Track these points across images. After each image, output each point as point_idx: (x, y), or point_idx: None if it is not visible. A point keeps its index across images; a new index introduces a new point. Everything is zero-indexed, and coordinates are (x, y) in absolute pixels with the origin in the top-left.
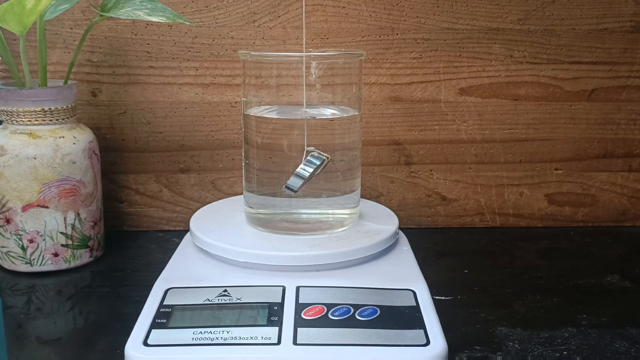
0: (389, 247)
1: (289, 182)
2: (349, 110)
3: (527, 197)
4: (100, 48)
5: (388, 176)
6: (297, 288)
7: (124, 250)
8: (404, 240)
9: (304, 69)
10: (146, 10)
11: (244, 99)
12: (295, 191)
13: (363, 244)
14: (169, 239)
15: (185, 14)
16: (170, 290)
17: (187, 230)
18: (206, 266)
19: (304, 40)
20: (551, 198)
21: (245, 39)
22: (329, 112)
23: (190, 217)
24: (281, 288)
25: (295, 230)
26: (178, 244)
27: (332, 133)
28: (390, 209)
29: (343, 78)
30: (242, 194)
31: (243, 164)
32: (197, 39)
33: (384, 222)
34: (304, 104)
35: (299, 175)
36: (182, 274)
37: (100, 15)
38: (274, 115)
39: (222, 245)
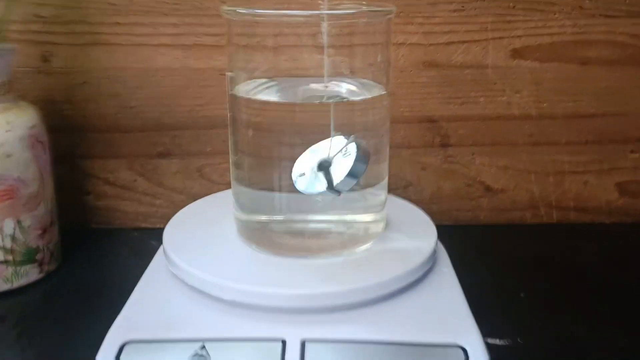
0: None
1: (339, 183)
2: (372, 86)
3: (593, 186)
4: None
5: (419, 161)
6: (303, 343)
7: (87, 257)
8: (441, 254)
9: (325, 33)
10: None
11: (230, 74)
12: (340, 194)
13: (393, 272)
14: (145, 240)
15: None
16: (127, 346)
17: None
18: (181, 302)
19: None
20: (624, 188)
21: None
22: (345, 88)
23: (172, 212)
24: (280, 343)
25: (301, 250)
26: (155, 250)
27: (350, 112)
28: (421, 201)
29: (366, 44)
30: None
31: (230, 149)
32: None
33: (416, 233)
34: (325, 75)
35: (354, 174)
36: (147, 315)
37: None
38: (272, 97)
39: (200, 275)
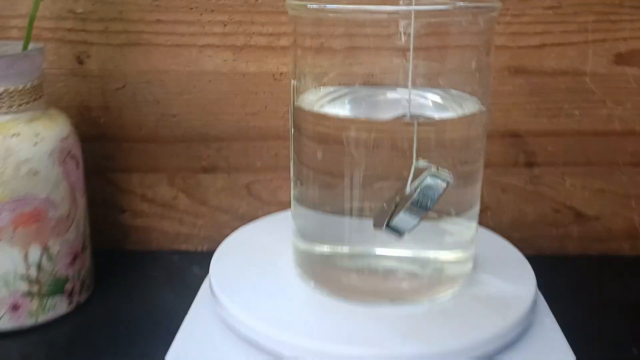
0: None
1: (395, 221)
2: (466, 99)
3: None
4: None
5: (499, 181)
6: None
7: (122, 285)
8: (539, 299)
9: (411, 34)
10: None
11: (294, 82)
12: (402, 235)
13: (490, 328)
14: (186, 265)
15: None
16: None
17: (211, 252)
18: (233, 356)
19: None
20: None
21: None
22: (431, 100)
23: (216, 234)
24: None
25: (371, 293)
26: (198, 277)
27: (437, 128)
28: (500, 228)
29: (460, 47)
30: (288, 203)
31: (292, 163)
32: None
33: (509, 274)
34: (409, 87)
35: (413, 212)
36: None
37: None
38: (344, 112)
39: (256, 327)
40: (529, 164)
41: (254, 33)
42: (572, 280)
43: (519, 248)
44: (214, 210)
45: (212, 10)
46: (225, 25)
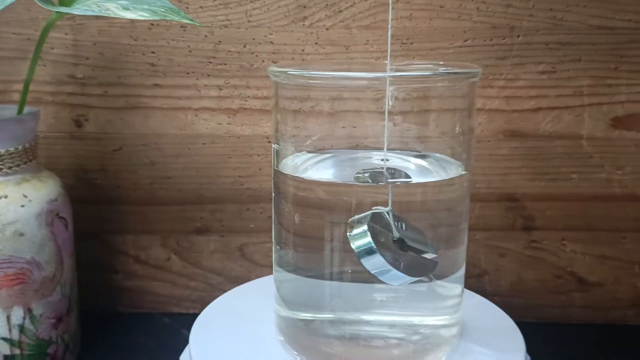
0: None
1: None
2: (448, 162)
3: None
4: (87, 59)
5: (497, 246)
6: None
7: (110, 348)
8: None
9: (388, 99)
10: (123, 1)
11: (276, 146)
12: None
13: None
14: (177, 329)
15: (205, 9)
16: None
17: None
18: None
19: (389, 45)
20: None
21: (291, 44)
22: (413, 164)
23: (208, 296)
24: None
25: None
26: (187, 341)
27: (419, 191)
28: (498, 294)
29: (441, 111)
30: None
31: (273, 227)
32: (222, 44)
33: (497, 342)
34: (385, 149)
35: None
36: None
37: (57, 13)
38: (324, 176)
39: None
40: (527, 228)
41: (249, 96)
42: (575, 350)
43: (519, 315)
44: (207, 272)
45: (209, 75)
46: (221, 89)
